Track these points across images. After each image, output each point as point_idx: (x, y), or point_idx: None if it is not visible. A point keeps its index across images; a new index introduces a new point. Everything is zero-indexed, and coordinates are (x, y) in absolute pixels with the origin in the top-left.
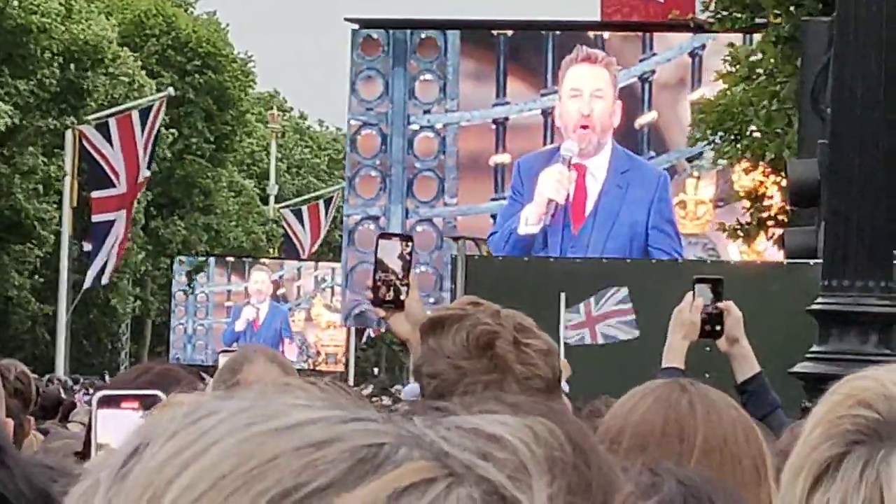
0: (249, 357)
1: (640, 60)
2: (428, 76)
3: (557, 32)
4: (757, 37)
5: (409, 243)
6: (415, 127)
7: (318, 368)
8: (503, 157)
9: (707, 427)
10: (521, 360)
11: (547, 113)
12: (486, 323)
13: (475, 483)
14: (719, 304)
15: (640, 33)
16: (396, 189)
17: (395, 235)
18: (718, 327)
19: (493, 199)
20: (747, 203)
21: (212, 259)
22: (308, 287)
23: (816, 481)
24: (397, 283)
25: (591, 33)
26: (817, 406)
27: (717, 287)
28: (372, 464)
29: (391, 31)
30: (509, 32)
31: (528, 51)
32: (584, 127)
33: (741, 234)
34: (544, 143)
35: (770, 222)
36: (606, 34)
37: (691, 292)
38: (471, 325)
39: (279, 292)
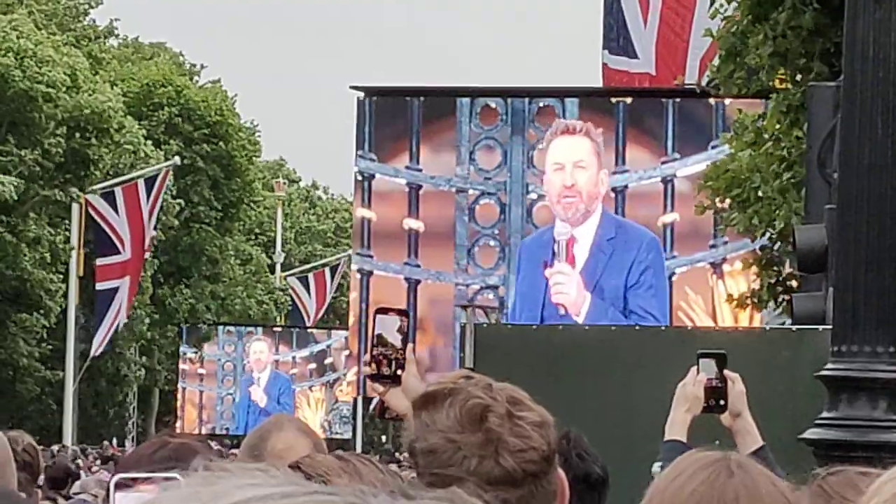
0: (280, 425)
1: None
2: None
3: (678, 100)
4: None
5: (407, 318)
6: (533, 196)
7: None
8: None
9: None
10: (516, 432)
11: (667, 181)
12: (479, 396)
13: None
14: (726, 374)
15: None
16: (515, 258)
17: (393, 310)
18: (722, 402)
19: None
20: (757, 270)
21: (259, 329)
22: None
23: None
24: (397, 357)
25: (711, 100)
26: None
27: (721, 361)
28: None
29: (509, 100)
30: (629, 100)
31: (649, 118)
32: (569, 196)
33: (753, 301)
34: (664, 212)
35: (779, 288)
36: (728, 101)
37: (695, 367)
38: (463, 398)
39: (326, 362)
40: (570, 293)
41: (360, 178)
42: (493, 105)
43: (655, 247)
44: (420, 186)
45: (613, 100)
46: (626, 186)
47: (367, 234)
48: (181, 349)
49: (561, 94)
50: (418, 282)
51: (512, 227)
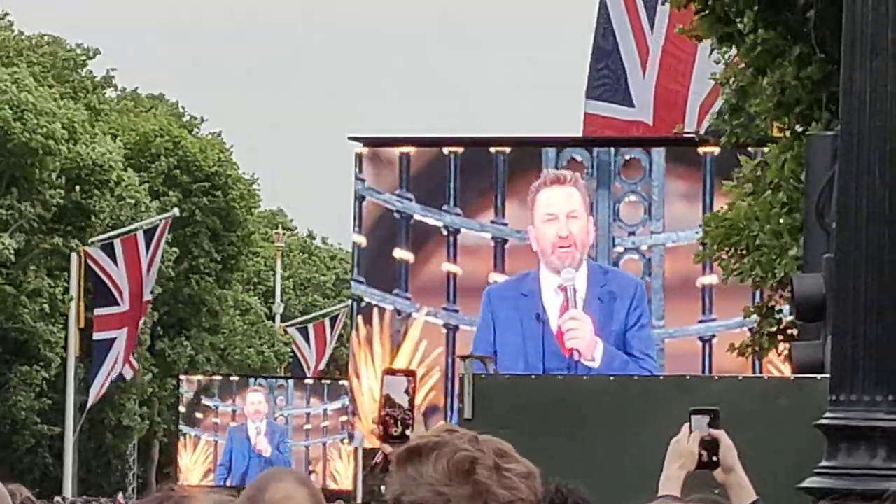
0: (278, 476)
1: None
2: (633, 197)
3: (765, 149)
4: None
5: (413, 378)
6: (619, 249)
7: None
8: (710, 279)
9: None
10: (504, 484)
11: None
12: (466, 449)
13: None
14: (712, 433)
15: None
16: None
17: (400, 371)
18: (715, 458)
19: (700, 321)
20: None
21: (290, 381)
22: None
23: None
24: (403, 418)
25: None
26: None
27: (714, 418)
28: None
29: (595, 151)
30: (716, 151)
31: (736, 169)
32: (565, 246)
33: (754, 350)
34: None
35: (780, 337)
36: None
37: (687, 423)
38: (450, 451)
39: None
40: (584, 337)
41: (445, 232)
42: (578, 158)
43: (644, 291)
44: (506, 241)
45: (701, 151)
46: None
47: (452, 288)
48: (213, 402)
49: (647, 143)
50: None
51: None
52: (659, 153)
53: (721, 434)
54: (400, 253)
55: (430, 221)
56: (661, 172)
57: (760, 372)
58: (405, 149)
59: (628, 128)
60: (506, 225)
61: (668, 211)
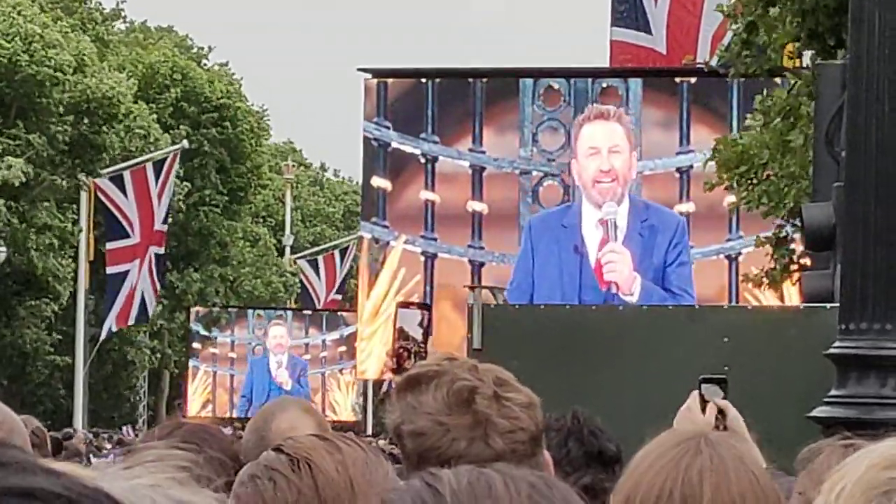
0: (283, 406)
1: None
2: None
3: (743, 79)
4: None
5: (428, 311)
6: None
7: None
8: (687, 206)
9: (716, 493)
10: (503, 413)
11: None
12: (465, 378)
13: None
14: (716, 402)
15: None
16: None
17: (414, 304)
18: (723, 427)
19: None
20: (770, 249)
21: (289, 313)
22: None
23: None
24: (418, 351)
25: (778, 80)
26: (849, 467)
27: (723, 385)
28: None
29: (572, 81)
30: (693, 80)
31: (714, 98)
32: (606, 180)
33: (767, 280)
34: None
35: (793, 267)
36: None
37: (696, 391)
38: (449, 380)
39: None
40: (623, 271)
41: (423, 160)
42: (556, 86)
43: (685, 227)
44: (483, 168)
45: (677, 80)
46: (690, 167)
47: (430, 216)
48: (211, 333)
49: (624, 74)
50: (482, 264)
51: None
52: (636, 82)
53: (726, 404)
54: (377, 181)
55: (408, 149)
56: (637, 101)
57: (737, 300)
58: (384, 77)
59: (649, 55)
60: (483, 153)
61: (645, 139)
